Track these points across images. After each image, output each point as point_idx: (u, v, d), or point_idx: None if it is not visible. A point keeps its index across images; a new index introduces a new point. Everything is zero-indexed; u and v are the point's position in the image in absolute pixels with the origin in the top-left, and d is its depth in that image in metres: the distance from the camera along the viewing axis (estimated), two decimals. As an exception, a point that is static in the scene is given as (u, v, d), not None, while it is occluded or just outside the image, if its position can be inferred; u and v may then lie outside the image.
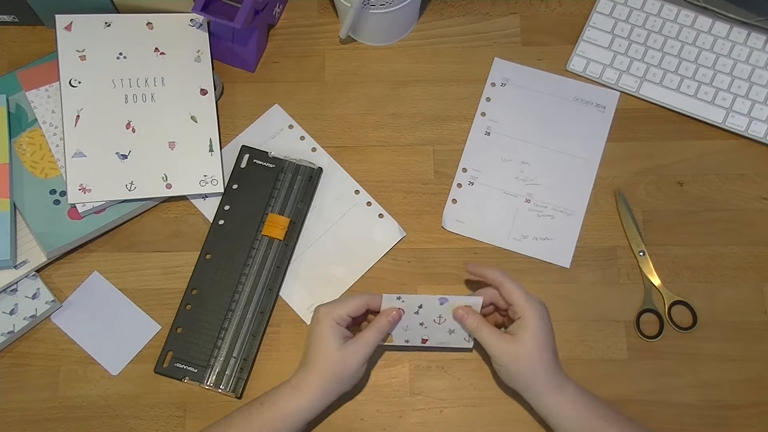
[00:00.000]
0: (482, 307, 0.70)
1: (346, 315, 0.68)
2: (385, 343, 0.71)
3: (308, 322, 0.76)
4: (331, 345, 0.67)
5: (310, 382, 0.67)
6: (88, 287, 0.77)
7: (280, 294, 0.77)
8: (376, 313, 0.70)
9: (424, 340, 0.71)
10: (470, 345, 0.71)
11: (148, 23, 0.81)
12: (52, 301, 0.75)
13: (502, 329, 0.71)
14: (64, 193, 0.76)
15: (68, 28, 0.78)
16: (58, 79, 0.77)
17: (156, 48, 0.80)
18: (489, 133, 0.81)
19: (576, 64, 0.82)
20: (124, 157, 0.77)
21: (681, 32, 0.82)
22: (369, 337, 0.68)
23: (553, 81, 0.82)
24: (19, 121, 0.79)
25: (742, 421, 0.72)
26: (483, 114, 0.82)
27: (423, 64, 0.84)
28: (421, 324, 0.71)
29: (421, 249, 0.78)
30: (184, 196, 0.79)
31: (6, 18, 0.83)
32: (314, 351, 0.67)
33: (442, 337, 0.71)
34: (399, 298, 0.69)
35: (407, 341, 0.72)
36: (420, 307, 0.70)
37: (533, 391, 0.67)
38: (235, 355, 0.74)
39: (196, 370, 0.74)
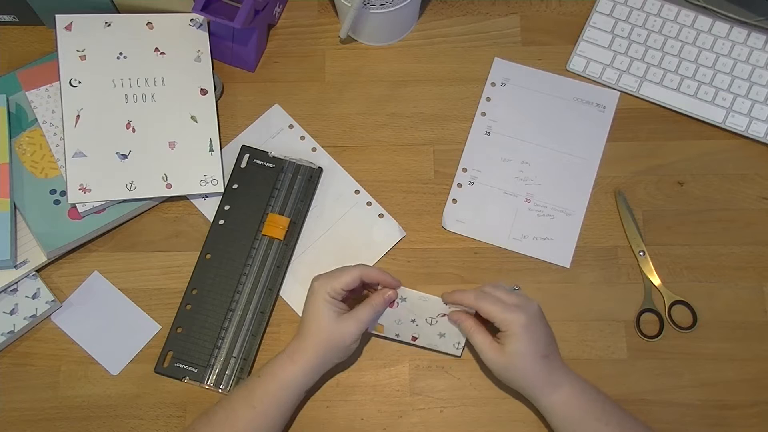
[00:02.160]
0: None
1: (341, 289, 0.68)
2: (375, 333, 0.72)
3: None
4: (324, 318, 0.67)
5: (305, 351, 0.68)
6: (88, 287, 0.77)
7: (280, 294, 0.77)
8: (372, 286, 0.71)
9: (414, 338, 0.72)
10: (459, 353, 0.72)
11: (148, 23, 0.81)
12: (52, 301, 0.75)
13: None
14: (64, 193, 0.76)
15: (68, 28, 0.78)
16: (58, 79, 0.77)
17: (156, 48, 0.80)
18: (489, 133, 0.81)
19: (576, 64, 0.82)
20: (124, 157, 0.77)
21: (681, 32, 0.82)
22: (362, 314, 0.68)
23: (553, 81, 0.82)
24: (20, 121, 0.79)
25: (742, 421, 0.72)
26: (483, 114, 0.82)
27: (423, 64, 0.84)
28: (413, 321, 0.71)
29: (421, 249, 0.78)
30: (184, 196, 0.79)
31: (6, 18, 0.83)
32: (309, 322, 0.68)
33: (432, 339, 0.72)
34: (404, 300, 0.71)
35: (397, 335, 0.72)
36: (424, 301, 0.71)
37: (528, 393, 0.68)
38: (235, 354, 0.74)
39: (196, 370, 0.74)
